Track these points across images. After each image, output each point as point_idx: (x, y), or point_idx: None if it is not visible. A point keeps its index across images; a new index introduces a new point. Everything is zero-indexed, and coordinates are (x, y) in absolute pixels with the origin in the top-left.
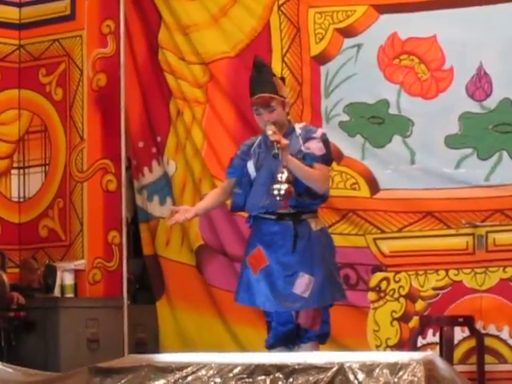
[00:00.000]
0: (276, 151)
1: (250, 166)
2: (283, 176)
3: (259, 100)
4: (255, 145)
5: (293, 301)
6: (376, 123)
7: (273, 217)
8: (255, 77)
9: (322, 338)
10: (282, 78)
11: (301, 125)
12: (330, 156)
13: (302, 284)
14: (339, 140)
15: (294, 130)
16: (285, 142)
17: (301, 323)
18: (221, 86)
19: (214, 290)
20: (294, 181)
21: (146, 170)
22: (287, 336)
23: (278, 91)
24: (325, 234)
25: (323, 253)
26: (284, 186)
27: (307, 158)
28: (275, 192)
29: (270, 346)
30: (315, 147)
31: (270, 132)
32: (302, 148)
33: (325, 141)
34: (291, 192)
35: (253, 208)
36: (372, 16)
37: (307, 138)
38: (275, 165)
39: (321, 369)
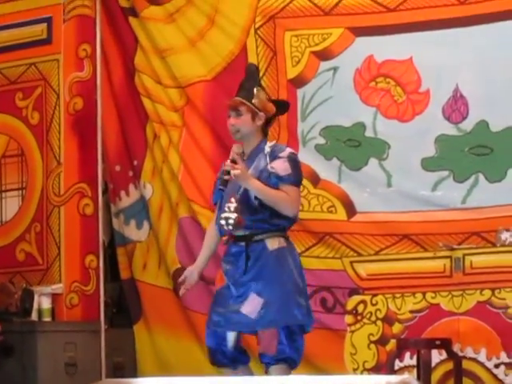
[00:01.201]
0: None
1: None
2: (231, 206)
3: (230, 102)
4: None
5: (240, 321)
6: (352, 146)
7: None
8: (242, 82)
9: (289, 363)
10: (280, 101)
11: (271, 143)
12: (298, 177)
13: (251, 305)
14: (315, 163)
15: (264, 147)
16: (236, 171)
17: (259, 346)
18: (197, 109)
19: (191, 313)
20: (260, 204)
21: (122, 193)
22: (234, 358)
23: (252, 99)
24: (283, 254)
25: (278, 273)
26: (233, 216)
27: (272, 178)
28: (222, 222)
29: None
30: (280, 167)
31: (231, 154)
32: (268, 167)
33: (292, 161)
34: (240, 222)
35: (219, 230)
36: (348, 39)
37: (274, 157)
38: (237, 185)
39: None
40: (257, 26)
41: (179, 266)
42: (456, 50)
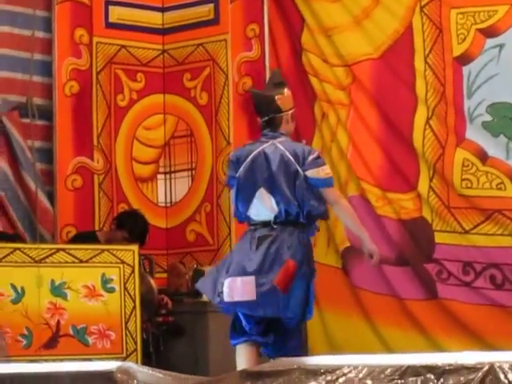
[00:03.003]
0: None
1: None
2: None
3: None
4: None
5: None
6: None
7: None
8: None
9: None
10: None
11: None
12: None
13: None
14: (483, 140)
15: None
16: None
17: None
18: (364, 87)
19: (360, 292)
20: None
21: None
22: None
23: None
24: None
25: None
26: None
27: None
28: None
29: None
30: None
31: None
32: None
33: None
34: None
35: None
36: None
37: None
38: None
39: (471, 369)
40: (422, 3)
41: (348, 244)
42: None
